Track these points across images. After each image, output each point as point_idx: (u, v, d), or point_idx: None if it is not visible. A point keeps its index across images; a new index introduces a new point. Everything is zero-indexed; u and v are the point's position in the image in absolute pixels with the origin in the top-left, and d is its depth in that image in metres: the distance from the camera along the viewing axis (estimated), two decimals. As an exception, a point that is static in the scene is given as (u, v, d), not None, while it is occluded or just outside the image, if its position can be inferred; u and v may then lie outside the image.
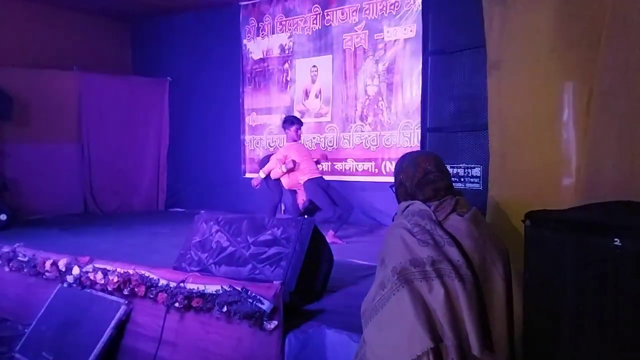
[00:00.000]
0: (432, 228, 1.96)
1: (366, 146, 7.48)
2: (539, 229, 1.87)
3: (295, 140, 6.36)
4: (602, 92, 2.29)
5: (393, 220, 2.26)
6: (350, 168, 7.66)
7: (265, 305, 2.97)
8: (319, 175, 6.27)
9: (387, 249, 2.01)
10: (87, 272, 3.98)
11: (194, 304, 3.28)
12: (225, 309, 3.09)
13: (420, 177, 2.13)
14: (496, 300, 1.93)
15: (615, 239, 1.58)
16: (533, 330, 1.91)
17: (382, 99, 7.29)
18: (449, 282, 1.83)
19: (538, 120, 2.62)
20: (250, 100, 8.93)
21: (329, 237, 5.28)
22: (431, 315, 1.81)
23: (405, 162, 2.24)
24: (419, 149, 5.59)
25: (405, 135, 7.05)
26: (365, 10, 7.42)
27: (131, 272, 3.73)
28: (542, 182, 2.59)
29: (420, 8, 6.49)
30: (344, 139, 7.72)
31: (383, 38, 7.25)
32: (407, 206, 2.09)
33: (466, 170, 3.52)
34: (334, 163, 7.81)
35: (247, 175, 8.77)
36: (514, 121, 2.74)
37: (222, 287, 3.20)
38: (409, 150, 6.67)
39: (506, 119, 2.78)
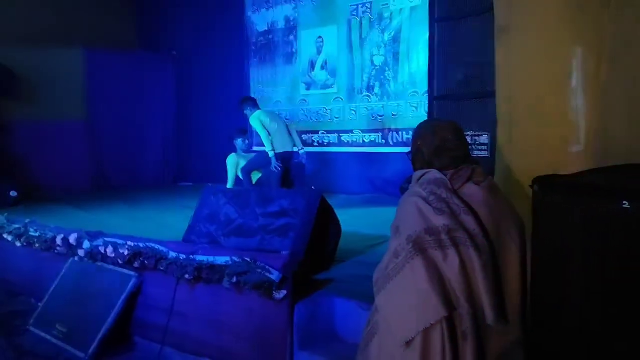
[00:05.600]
0: (448, 197, 1.93)
1: (373, 117, 7.43)
2: (547, 194, 1.86)
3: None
4: (611, 56, 2.26)
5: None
6: (357, 139, 7.63)
7: (275, 276, 2.98)
8: None
9: (402, 218, 1.98)
10: (97, 246, 4.01)
11: (204, 275, 3.31)
12: (235, 279, 3.12)
13: (438, 144, 2.08)
14: (511, 269, 1.91)
15: (624, 202, 1.56)
16: (541, 295, 1.91)
17: (389, 69, 7.23)
18: (464, 251, 1.82)
19: (547, 86, 2.58)
20: (256, 72, 8.88)
21: None
22: (445, 284, 1.80)
23: (424, 130, 2.19)
24: (426, 118, 5.56)
25: (412, 105, 7.00)
26: (371, -22, 7.32)
27: (141, 245, 3.76)
28: (551, 149, 2.57)
29: (427, -25, 6.39)
30: (351, 110, 7.67)
31: (389, 7, 7.15)
32: (423, 174, 2.06)
33: (474, 138, 3.51)
34: (341, 134, 7.79)
35: (255, 148, 8.76)
36: (522, 87, 2.70)
37: (231, 258, 3.22)
38: (416, 120, 6.66)
39: (514, 85, 2.75)
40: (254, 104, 6.50)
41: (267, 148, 6.09)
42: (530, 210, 1.98)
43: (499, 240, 1.91)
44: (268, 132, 6.11)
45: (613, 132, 2.29)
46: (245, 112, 6.46)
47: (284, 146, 6.19)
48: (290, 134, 6.41)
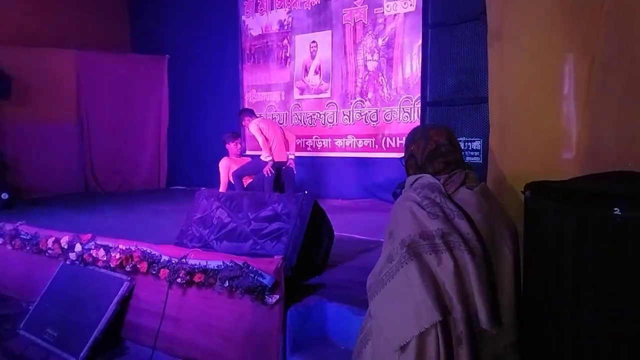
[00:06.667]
0: (442, 201, 1.94)
1: (366, 122, 7.45)
2: (539, 200, 1.87)
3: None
4: (603, 63, 2.27)
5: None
6: (350, 144, 7.64)
7: (267, 280, 2.98)
8: None
9: (396, 222, 1.98)
10: (89, 249, 3.99)
11: (196, 279, 3.30)
12: (227, 283, 3.11)
13: (431, 149, 2.09)
14: (505, 274, 1.92)
15: (615, 209, 1.57)
16: (534, 299, 1.92)
17: (382, 74, 7.25)
18: (458, 254, 1.82)
19: (539, 92, 2.60)
20: (250, 77, 8.88)
21: None
22: (439, 288, 1.80)
23: (417, 134, 2.20)
24: (419, 124, 5.57)
25: (405, 110, 7.02)
26: (365, -16, 7.34)
27: (133, 248, 3.74)
28: (542, 155, 2.58)
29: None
30: (344, 115, 7.69)
31: (383, 12, 7.18)
32: (416, 179, 2.07)
33: (466, 143, 3.53)
34: (335, 139, 7.80)
35: (247, 152, 8.76)
36: (514, 93, 2.72)
37: (223, 262, 3.21)
38: (409, 125, 6.68)
39: (507, 91, 2.76)
40: (252, 113, 6.63)
41: (264, 154, 6.12)
42: (522, 216, 1.99)
43: (493, 244, 1.91)
44: (266, 138, 6.16)
45: (604, 138, 2.30)
46: (243, 122, 6.52)
47: (279, 155, 6.29)
48: (285, 139, 6.46)
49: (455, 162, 2.08)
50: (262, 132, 6.20)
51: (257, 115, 6.72)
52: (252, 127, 6.30)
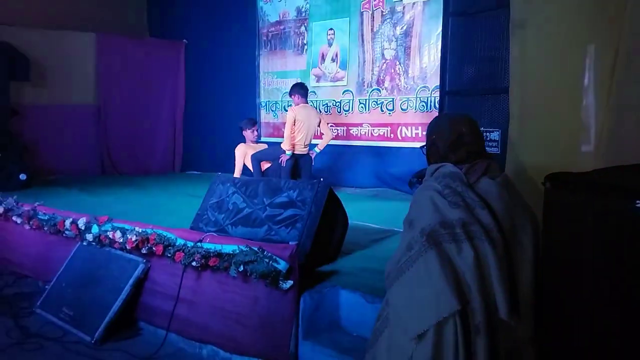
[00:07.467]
0: (463, 190, 1.93)
1: (382, 111, 7.41)
2: (559, 191, 1.86)
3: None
4: (628, 54, 2.24)
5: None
6: (365, 133, 7.62)
7: (281, 265, 2.99)
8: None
9: (416, 211, 1.98)
10: (106, 231, 4.03)
11: (211, 263, 3.32)
12: (241, 268, 3.12)
13: (454, 139, 2.09)
14: (524, 265, 1.91)
15: (637, 201, 1.56)
16: (552, 292, 1.91)
17: (399, 63, 7.20)
18: (479, 244, 1.82)
19: (561, 83, 2.58)
20: (266, 63, 8.87)
21: None
22: (459, 277, 1.80)
23: (440, 123, 2.20)
24: (436, 114, 5.53)
25: (422, 99, 6.97)
26: (384, -29, 7.28)
27: (149, 231, 3.77)
28: (563, 146, 2.57)
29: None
30: (360, 103, 7.66)
31: (401, 0, 7.12)
32: (437, 168, 2.06)
33: (485, 134, 3.49)
34: (350, 128, 7.78)
35: (263, 139, 8.77)
36: (535, 84, 2.69)
37: (238, 247, 3.23)
38: (426, 115, 6.64)
39: (528, 82, 2.74)
40: (304, 94, 6.44)
41: (285, 145, 6.11)
42: (541, 207, 1.97)
43: (513, 235, 1.90)
44: (293, 131, 6.16)
45: (625, 131, 2.28)
46: (291, 96, 6.48)
47: (300, 149, 6.29)
48: (320, 132, 6.51)
49: (477, 152, 2.07)
50: (293, 125, 6.16)
51: (306, 100, 6.46)
52: (289, 113, 6.24)
